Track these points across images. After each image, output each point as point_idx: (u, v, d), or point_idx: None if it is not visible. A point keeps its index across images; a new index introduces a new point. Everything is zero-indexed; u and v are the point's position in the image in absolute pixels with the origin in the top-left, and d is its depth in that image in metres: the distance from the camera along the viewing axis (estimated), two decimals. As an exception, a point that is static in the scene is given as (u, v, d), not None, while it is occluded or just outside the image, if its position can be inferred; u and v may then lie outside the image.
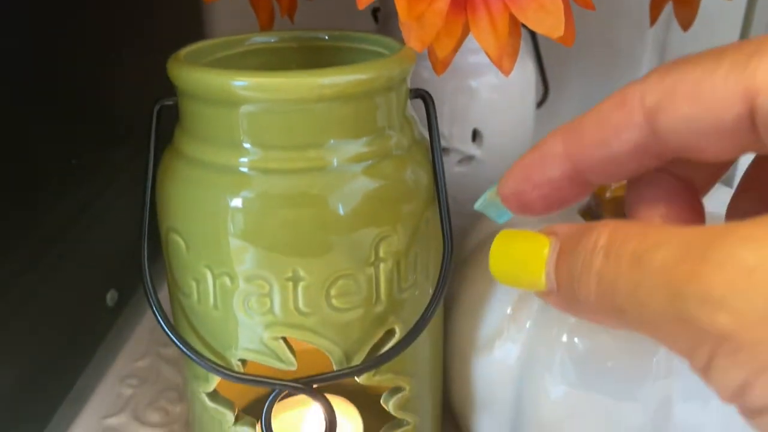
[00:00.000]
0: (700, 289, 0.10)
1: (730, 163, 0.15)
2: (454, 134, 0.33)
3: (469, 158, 0.34)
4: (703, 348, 0.10)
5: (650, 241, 0.11)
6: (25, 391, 0.26)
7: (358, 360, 0.20)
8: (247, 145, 0.18)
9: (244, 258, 0.18)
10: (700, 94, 0.12)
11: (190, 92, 0.18)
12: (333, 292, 0.19)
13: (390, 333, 0.20)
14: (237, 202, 0.18)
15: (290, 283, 0.18)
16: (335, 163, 0.18)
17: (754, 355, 0.10)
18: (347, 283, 0.19)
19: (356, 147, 0.18)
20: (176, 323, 0.22)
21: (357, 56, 0.22)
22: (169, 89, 0.20)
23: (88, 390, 0.30)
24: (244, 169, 0.18)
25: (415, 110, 0.22)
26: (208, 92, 0.18)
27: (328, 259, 0.18)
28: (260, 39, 0.23)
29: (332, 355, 0.20)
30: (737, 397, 0.10)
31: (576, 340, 0.23)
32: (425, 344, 0.22)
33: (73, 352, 0.30)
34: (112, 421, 0.28)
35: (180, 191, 0.19)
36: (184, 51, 0.20)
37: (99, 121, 0.31)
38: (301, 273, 0.18)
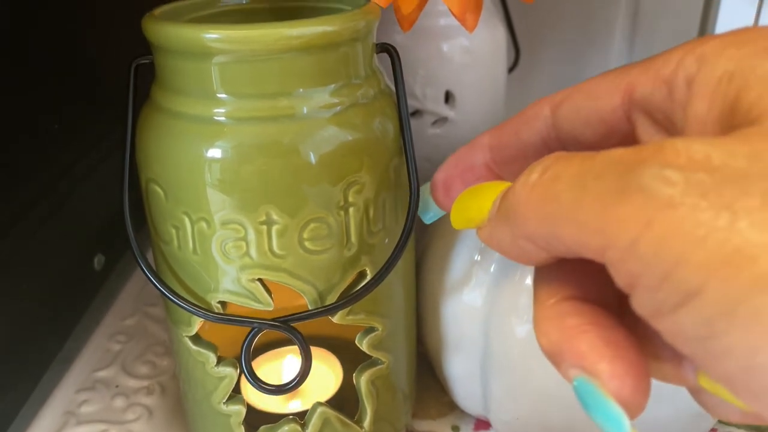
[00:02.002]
0: (654, 167, 0.10)
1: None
2: (427, 96, 0.34)
3: (442, 120, 0.35)
4: (641, 215, 0.10)
5: (600, 151, 0.12)
6: (18, 351, 0.27)
7: (331, 300, 0.21)
8: (220, 96, 0.19)
9: (220, 203, 0.19)
10: (592, 90, 0.14)
11: (165, 47, 0.19)
12: (305, 235, 0.20)
13: (362, 275, 0.22)
14: (212, 151, 0.19)
15: (264, 227, 0.20)
16: (305, 111, 0.19)
17: (691, 226, 0.10)
18: (319, 226, 0.20)
19: (324, 95, 0.19)
20: (158, 271, 0.23)
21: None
22: (147, 51, 0.21)
23: (78, 347, 0.31)
24: (219, 119, 0.19)
25: (384, 68, 0.23)
26: (181, 46, 0.19)
27: (300, 204, 0.19)
28: (232, 0, 0.24)
29: (307, 296, 0.21)
30: (662, 282, 0.10)
31: (539, 282, 0.24)
32: (397, 286, 0.24)
33: (63, 313, 0.31)
34: (102, 373, 0.30)
35: (158, 143, 0.20)
36: (159, 11, 0.21)
37: (80, 84, 0.32)
38: (275, 217, 0.19)
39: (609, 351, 0.12)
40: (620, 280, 0.11)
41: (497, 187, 0.15)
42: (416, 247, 0.27)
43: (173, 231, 0.21)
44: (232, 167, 0.19)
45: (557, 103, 0.15)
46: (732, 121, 0.11)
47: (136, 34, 0.20)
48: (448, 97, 0.34)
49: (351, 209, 0.20)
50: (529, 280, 0.24)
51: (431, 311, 0.27)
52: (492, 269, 0.25)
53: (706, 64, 0.12)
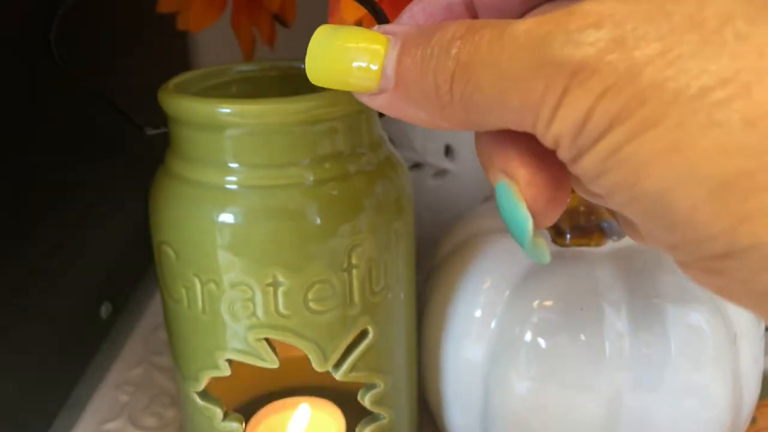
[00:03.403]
0: (562, 35, 0.11)
1: None
2: (427, 149, 0.35)
3: (442, 172, 0.36)
4: (557, 86, 0.11)
5: (510, 22, 0.12)
6: (25, 401, 0.28)
7: (335, 358, 0.22)
8: (231, 165, 0.20)
9: (229, 266, 0.20)
10: None
11: (180, 119, 0.20)
12: (310, 295, 0.21)
13: (364, 333, 0.22)
14: (223, 216, 0.20)
15: (271, 288, 0.20)
16: (311, 179, 0.20)
17: (600, 78, 0.10)
18: (323, 287, 0.21)
19: (331, 164, 0.20)
20: (168, 327, 0.23)
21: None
22: (158, 113, 0.22)
23: (85, 397, 0.32)
24: (230, 187, 0.20)
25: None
26: (195, 119, 0.20)
27: (306, 266, 0.20)
28: (243, 68, 0.25)
29: (310, 354, 0.22)
30: (578, 135, 0.11)
31: (538, 338, 0.25)
32: (399, 343, 0.24)
33: (70, 362, 0.32)
34: (110, 426, 0.30)
35: (171, 207, 0.21)
36: (173, 81, 0.22)
37: (92, 140, 0.33)
38: (281, 278, 0.20)
39: (533, 162, 0.13)
40: (547, 143, 0.12)
41: (371, 40, 0.13)
42: (417, 302, 0.28)
43: (183, 291, 0.22)
44: (241, 232, 0.20)
45: None
46: None
47: (146, 95, 0.21)
48: (448, 150, 0.35)
49: (354, 270, 0.21)
50: (528, 336, 0.25)
51: (432, 365, 0.27)
52: (492, 325, 0.25)
53: None
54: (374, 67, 0.13)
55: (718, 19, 0.10)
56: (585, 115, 0.11)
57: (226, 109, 0.19)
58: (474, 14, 0.15)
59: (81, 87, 0.22)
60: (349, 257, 0.21)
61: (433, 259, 0.30)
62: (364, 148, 0.22)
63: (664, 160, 0.10)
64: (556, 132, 0.11)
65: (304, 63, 0.25)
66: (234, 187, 0.20)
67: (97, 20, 0.30)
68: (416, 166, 0.36)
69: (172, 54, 0.40)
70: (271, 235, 0.20)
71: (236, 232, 0.20)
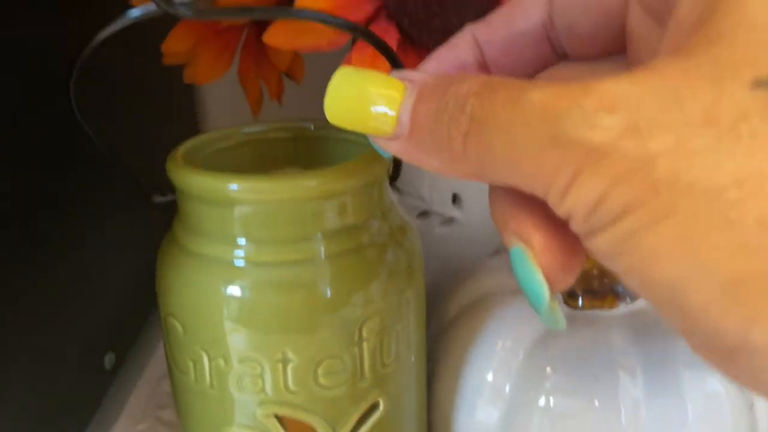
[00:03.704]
0: (578, 114, 0.11)
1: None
2: (434, 198, 0.35)
3: (450, 220, 0.35)
4: (569, 166, 0.11)
5: (526, 86, 0.12)
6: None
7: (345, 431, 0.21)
8: (240, 241, 0.19)
9: (238, 342, 0.20)
10: None
11: (188, 192, 0.20)
12: (320, 371, 0.20)
13: (374, 406, 0.22)
14: (231, 292, 0.20)
15: (280, 365, 0.20)
16: (322, 255, 0.20)
17: (614, 164, 0.10)
18: (333, 362, 0.20)
19: (341, 239, 0.20)
20: (175, 398, 0.23)
21: (341, 146, 0.24)
22: (164, 172, 0.21)
23: (88, 454, 0.31)
24: (238, 263, 0.19)
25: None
26: (204, 193, 0.19)
27: (315, 342, 0.20)
28: (252, 130, 0.25)
29: (319, 428, 0.21)
30: (591, 215, 0.11)
31: (552, 404, 0.24)
32: (410, 411, 0.24)
33: (72, 415, 0.31)
34: (112, 485, 0.29)
35: (178, 281, 0.21)
36: (182, 148, 0.22)
37: (96, 192, 0.32)
38: (290, 355, 0.20)
39: (547, 226, 0.13)
40: (559, 214, 0.12)
41: (386, 84, 0.13)
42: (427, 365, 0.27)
43: (190, 364, 0.21)
44: (250, 308, 0.20)
45: None
46: (701, 29, 0.11)
47: (154, 157, 0.21)
48: (455, 199, 0.35)
49: (365, 344, 0.21)
50: (542, 401, 0.24)
51: (443, 427, 0.27)
52: (506, 389, 0.25)
53: None
54: (391, 113, 0.13)
55: (733, 114, 0.10)
56: (598, 199, 0.11)
57: (235, 186, 0.19)
58: (488, 73, 0.15)
59: (91, 142, 0.22)
60: (360, 331, 0.20)
61: (443, 316, 0.29)
62: (375, 218, 0.21)
63: (677, 253, 0.10)
64: (568, 207, 0.11)
65: (312, 124, 0.25)
66: (242, 263, 0.19)
67: (104, 70, 0.30)
68: (423, 214, 0.35)
69: (180, 105, 0.40)
70: (280, 312, 0.20)
71: (245, 308, 0.20)
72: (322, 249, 0.20)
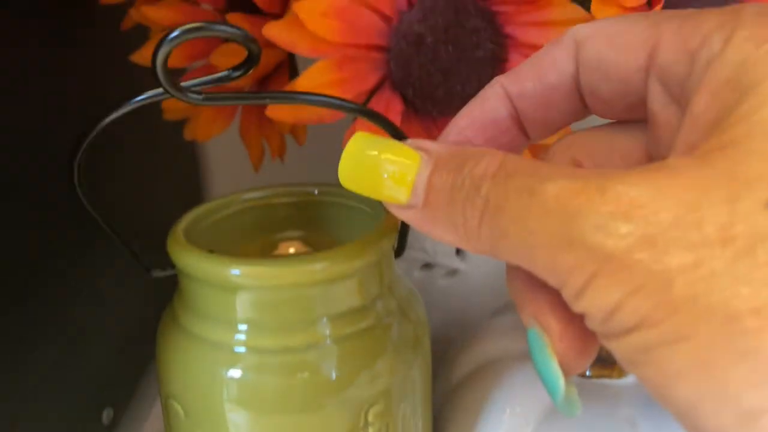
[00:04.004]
0: (593, 217, 0.11)
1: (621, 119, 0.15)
2: (438, 250, 0.34)
3: (453, 271, 0.35)
4: (585, 269, 0.11)
5: (542, 174, 0.12)
6: None
7: None
8: (242, 326, 0.19)
9: (239, 427, 0.19)
10: (618, 38, 0.13)
11: (188, 274, 0.19)
12: (325, 456, 0.20)
13: (380, 487, 0.21)
14: (232, 375, 0.19)
15: (284, 451, 0.19)
16: (328, 340, 0.19)
17: (630, 275, 0.10)
18: (339, 448, 0.20)
19: (348, 321, 0.19)
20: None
21: (345, 212, 0.24)
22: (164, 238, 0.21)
23: None
24: (240, 348, 0.19)
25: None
26: (205, 276, 0.19)
27: (319, 427, 0.19)
28: (254, 196, 0.24)
29: None
30: (606, 320, 0.11)
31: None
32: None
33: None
34: None
35: (178, 362, 0.20)
36: (183, 222, 0.21)
37: (92, 253, 0.32)
38: (295, 441, 0.19)
39: (564, 313, 0.13)
40: (574, 310, 0.12)
41: (404, 155, 0.13)
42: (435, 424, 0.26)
43: (191, 447, 0.20)
44: (250, 393, 0.19)
45: (581, 41, 0.14)
46: (717, 132, 0.11)
47: (157, 227, 0.20)
48: (459, 251, 0.35)
49: (370, 429, 0.20)
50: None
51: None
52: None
53: (729, 49, 0.11)
54: (406, 183, 0.13)
55: (749, 236, 0.10)
56: (614, 307, 0.11)
57: (237, 271, 0.18)
58: (521, 126, 0.15)
59: (91, 208, 0.21)
60: (366, 416, 0.20)
61: (449, 379, 0.29)
62: (382, 296, 0.21)
63: (694, 376, 0.10)
64: (583, 307, 0.11)
65: (316, 188, 0.25)
66: (244, 348, 0.19)
67: (102, 131, 0.30)
68: (427, 266, 0.35)
69: (183, 157, 0.40)
70: (282, 397, 0.19)
71: (247, 394, 0.19)
72: (328, 333, 0.19)
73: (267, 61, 0.26)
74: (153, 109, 0.29)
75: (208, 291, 0.19)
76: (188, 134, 0.30)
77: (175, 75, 0.15)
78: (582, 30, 0.14)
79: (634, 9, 0.20)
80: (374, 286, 0.20)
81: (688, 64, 0.12)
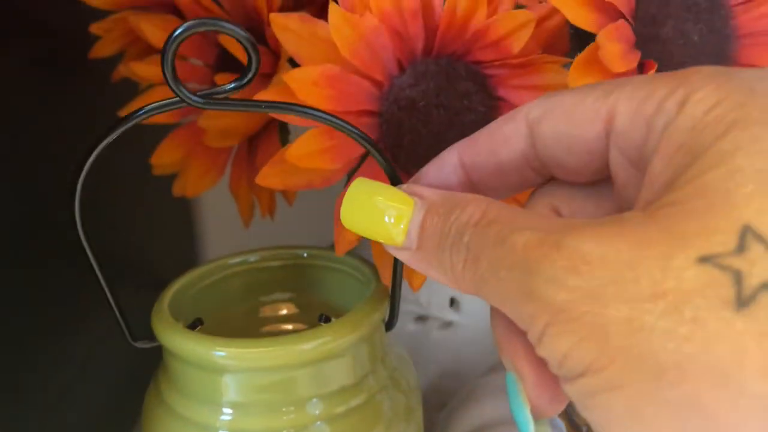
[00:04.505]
0: (549, 270, 0.12)
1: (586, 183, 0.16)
2: (432, 302, 0.34)
3: (448, 324, 0.34)
4: (541, 318, 0.12)
5: (515, 224, 0.13)
6: None
7: None
8: (227, 409, 0.18)
9: None
10: (573, 113, 0.14)
11: (172, 352, 0.19)
12: None
13: None
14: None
15: None
16: (318, 421, 0.18)
17: (577, 326, 0.11)
18: None
19: (339, 400, 0.19)
20: None
21: (334, 275, 0.23)
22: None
23: None
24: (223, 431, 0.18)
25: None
26: (188, 357, 0.18)
27: None
28: (242, 260, 0.24)
29: None
30: (560, 366, 0.12)
31: None
32: None
33: None
34: None
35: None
36: (169, 293, 0.21)
37: (80, 318, 0.31)
38: None
39: (538, 364, 0.13)
40: (538, 354, 0.12)
41: (399, 200, 0.14)
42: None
43: None
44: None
45: (535, 120, 0.14)
46: (668, 192, 0.12)
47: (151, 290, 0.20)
48: (453, 302, 0.34)
49: None
50: None
51: None
52: None
53: (681, 115, 0.12)
54: (401, 226, 0.14)
55: (678, 292, 0.11)
56: (564, 354, 0.12)
57: (222, 352, 0.18)
58: (476, 190, 0.16)
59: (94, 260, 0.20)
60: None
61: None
62: (374, 370, 0.20)
63: (627, 421, 0.11)
64: (542, 353, 0.12)
65: (305, 251, 0.24)
66: (227, 431, 0.18)
67: (96, 179, 0.29)
68: (420, 318, 0.34)
69: (174, 210, 0.39)
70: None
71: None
72: (318, 413, 0.18)
73: (256, 119, 0.26)
74: (144, 165, 0.29)
75: (193, 371, 0.19)
76: (177, 190, 0.29)
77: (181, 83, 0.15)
78: (534, 110, 0.14)
79: (622, 75, 0.20)
80: (366, 361, 0.20)
81: (644, 130, 0.13)
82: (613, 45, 0.19)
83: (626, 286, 0.11)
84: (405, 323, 0.34)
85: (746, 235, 0.10)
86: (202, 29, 0.14)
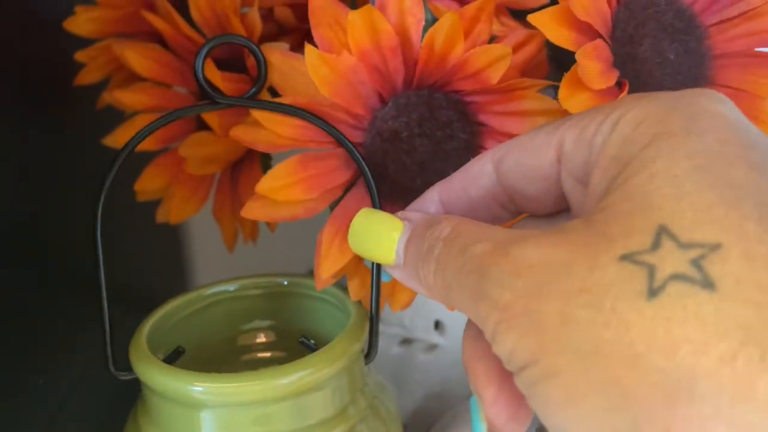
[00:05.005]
0: (497, 274, 0.13)
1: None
2: (416, 325, 0.34)
3: (433, 346, 0.34)
4: (492, 317, 0.13)
5: (477, 236, 0.14)
6: None
7: None
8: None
9: None
10: (529, 146, 0.15)
11: (150, 387, 0.19)
12: None
13: None
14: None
15: None
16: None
17: (520, 322, 0.12)
18: None
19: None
20: None
21: (315, 304, 0.24)
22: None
23: None
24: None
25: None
26: (166, 392, 0.18)
27: None
28: (222, 289, 0.24)
29: None
30: (509, 361, 0.13)
31: None
32: None
33: None
34: None
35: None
36: (148, 324, 0.21)
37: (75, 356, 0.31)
38: None
39: (498, 380, 0.14)
40: (494, 352, 0.13)
41: (392, 224, 0.16)
42: None
43: None
44: None
45: (499, 159, 0.16)
46: (602, 199, 0.13)
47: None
48: (438, 325, 0.34)
49: None
50: None
51: None
52: None
53: (614, 132, 0.13)
54: (394, 247, 0.16)
55: (601, 286, 0.12)
56: (511, 349, 0.12)
57: (199, 387, 0.18)
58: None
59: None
60: None
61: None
62: (353, 401, 0.20)
63: (564, 406, 0.12)
64: (496, 351, 0.13)
65: (286, 279, 0.25)
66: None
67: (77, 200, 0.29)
68: (406, 341, 0.34)
69: (163, 235, 0.39)
70: None
71: None
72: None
73: (238, 147, 0.26)
74: (132, 190, 0.29)
75: (171, 406, 0.19)
76: (161, 216, 0.29)
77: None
78: (498, 151, 0.16)
79: (603, 92, 0.20)
80: (346, 392, 0.20)
81: (587, 150, 0.14)
82: (592, 63, 0.19)
83: (560, 284, 0.12)
84: (390, 346, 0.34)
85: (661, 234, 0.12)
86: (224, 41, 0.20)
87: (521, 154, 0.16)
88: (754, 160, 0.12)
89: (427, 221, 0.16)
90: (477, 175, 0.17)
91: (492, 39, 0.22)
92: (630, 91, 0.21)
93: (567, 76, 0.19)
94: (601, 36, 0.20)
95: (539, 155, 0.15)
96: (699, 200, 0.12)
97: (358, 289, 0.21)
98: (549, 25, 0.19)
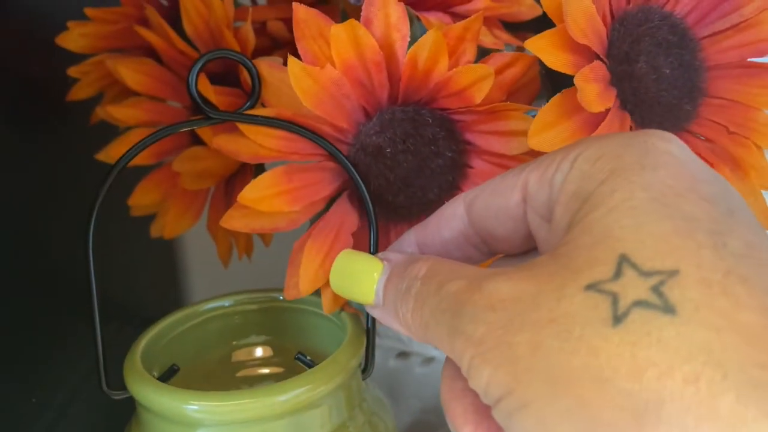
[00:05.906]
0: (471, 310, 0.13)
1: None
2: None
3: (430, 359, 0.34)
4: (467, 352, 0.13)
5: (453, 275, 0.14)
6: None
7: None
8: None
9: None
10: (497, 188, 0.16)
11: (144, 406, 0.18)
12: None
13: None
14: None
15: None
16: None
17: (494, 355, 0.13)
18: None
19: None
20: None
21: (310, 319, 0.23)
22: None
23: None
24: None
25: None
26: (161, 411, 0.18)
27: None
28: (217, 305, 0.23)
29: None
30: (485, 394, 0.13)
31: None
32: None
33: None
34: None
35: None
36: (143, 342, 0.20)
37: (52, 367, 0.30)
38: None
39: (475, 418, 0.15)
40: (471, 386, 0.13)
41: (371, 265, 0.17)
42: None
43: None
44: None
45: (470, 201, 0.17)
46: (566, 234, 0.14)
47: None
48: (436, 337, 0.34)
49: None
50: None
51: None
52: None
53: (573, 169, 0.14)
54: (374, 287, 0.17)
55: (567, 316, 0.12)
56: (486, 383, 0.13)
57: (195, 406, 0.17)
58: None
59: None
60: None
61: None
62: (353, 415, 0.20)
63: None
64: (472, 385, 0.13)
65: (281, 294, 0.24)
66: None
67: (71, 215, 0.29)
68: (402, 354, 0.34)
69: (157, 249, 0.39)
70: None
71: None
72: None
73: (232, 161, 0.26)
74: (124, 206, 0.29)
75: (166, 425, 0.18)
76: (155, 231, 0.29)
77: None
78: (471, 192, 0.17)
79: (599, 115, 0.20)
80: (343, 408, 0.19)
81: (548, 188, 0.15)
82: (590, 86, 0.19)
83: (530, 316, 0.12)
84: (387, 359, 0.34)
85: (622, 263, 0.12)
86: (217, 56, 0.20)
87: (490, 196, 0.16)
88: (704, 191, 0.13)
89: (405, 261, 0.16)
90: (450, 218, 0.17)
91: (487, 52, 0.22)
92: (628, 109, 0.21)
93: (553, 100, 0.19)
94: (597, 56, 0.20)
95: (506, 196, 0.16)
96: (657, 230, 0.12)
97: (331, 303, 0.21)
98: (546, 50, 0.19)
